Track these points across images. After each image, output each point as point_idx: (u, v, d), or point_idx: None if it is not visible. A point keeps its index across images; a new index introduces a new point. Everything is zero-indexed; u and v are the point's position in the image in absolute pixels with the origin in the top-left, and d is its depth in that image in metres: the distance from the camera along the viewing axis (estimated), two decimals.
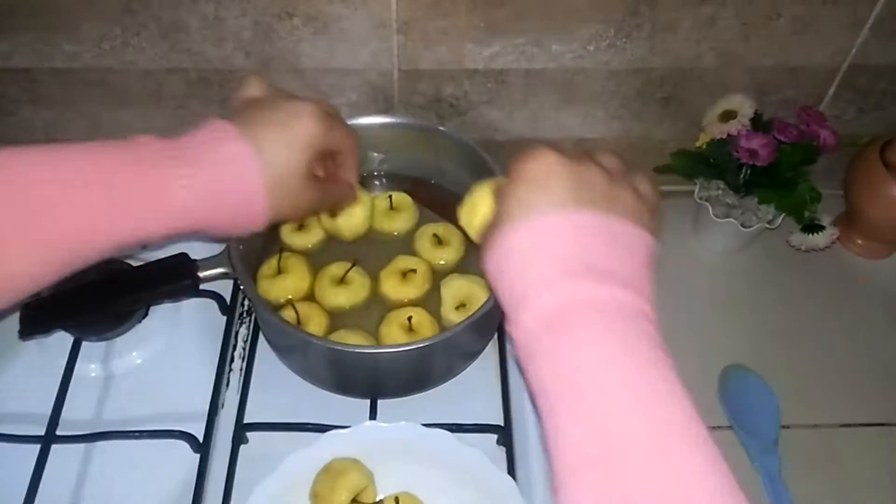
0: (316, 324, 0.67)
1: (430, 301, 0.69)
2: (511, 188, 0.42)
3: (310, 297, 0.70)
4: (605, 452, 0.34)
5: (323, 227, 0.73)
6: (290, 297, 0.68)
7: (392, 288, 0.69)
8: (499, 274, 0.41)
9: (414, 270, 0.69)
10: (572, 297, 0.38)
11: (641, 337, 0.37)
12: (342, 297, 0.68)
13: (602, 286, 0.38)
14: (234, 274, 0.63)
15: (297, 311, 0.66)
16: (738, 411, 0.70)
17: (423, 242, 0.72)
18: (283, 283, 0.69)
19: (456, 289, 0.68)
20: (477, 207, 0.47)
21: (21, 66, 0.72)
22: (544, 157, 0.41)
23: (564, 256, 0.39)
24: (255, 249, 0.71)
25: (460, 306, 0.67)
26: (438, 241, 0.72)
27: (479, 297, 0.66)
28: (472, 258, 0.72)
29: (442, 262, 0.71)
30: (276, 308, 0.68)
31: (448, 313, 0.68)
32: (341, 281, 0.69)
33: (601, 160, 0.43)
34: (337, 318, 0.68)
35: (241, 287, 0.63)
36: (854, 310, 0.79)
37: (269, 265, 0.70)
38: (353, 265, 0.69)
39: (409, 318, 0.66)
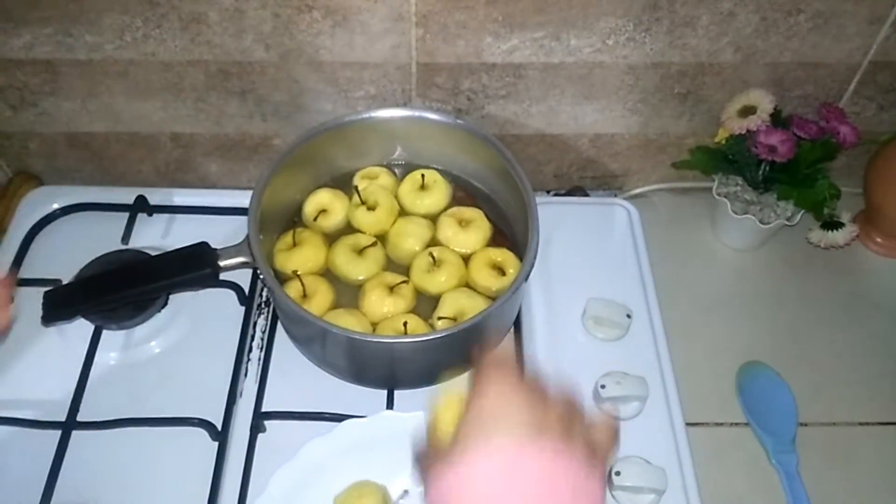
0: (322, 297, 0.66)
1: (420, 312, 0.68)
2: (475, 409, 0.41)
3: (322, 272, 0.69)
4: None
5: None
6: (297, 269, 0.67)
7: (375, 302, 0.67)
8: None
9: (405, 281, 0.68)
10: None
11: None
12: (359, 268, 0.68)
13: None
14: (254, 263, 0.63)
15: (303, 284, 0.66)
16: (756, 408, 0.70)
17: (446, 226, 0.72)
18: (299, 255, 0.68)
19: (452, 300, 0.67)
20: (440, 418, 0.45)
21: (43, 58, 0.73)
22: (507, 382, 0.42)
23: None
24: (273, 240, 0.71)
25: (443, 318, 0.66)
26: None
27: (476, 309, 0.64)
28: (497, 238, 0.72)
29: (464, 251, 0.70)
30: (287, 281, 0.67)
31: (438, 323, 0.66)
32: (360, 253, 0.69)
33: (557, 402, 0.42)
34: (343, 295, 0.68)
35: (261, 276, 0.63)
36: (873, 308, 0.78)
37: (284, 240, 0.70)
38: (374, 243, 0.70)
39: (405, 324, 0.65)
